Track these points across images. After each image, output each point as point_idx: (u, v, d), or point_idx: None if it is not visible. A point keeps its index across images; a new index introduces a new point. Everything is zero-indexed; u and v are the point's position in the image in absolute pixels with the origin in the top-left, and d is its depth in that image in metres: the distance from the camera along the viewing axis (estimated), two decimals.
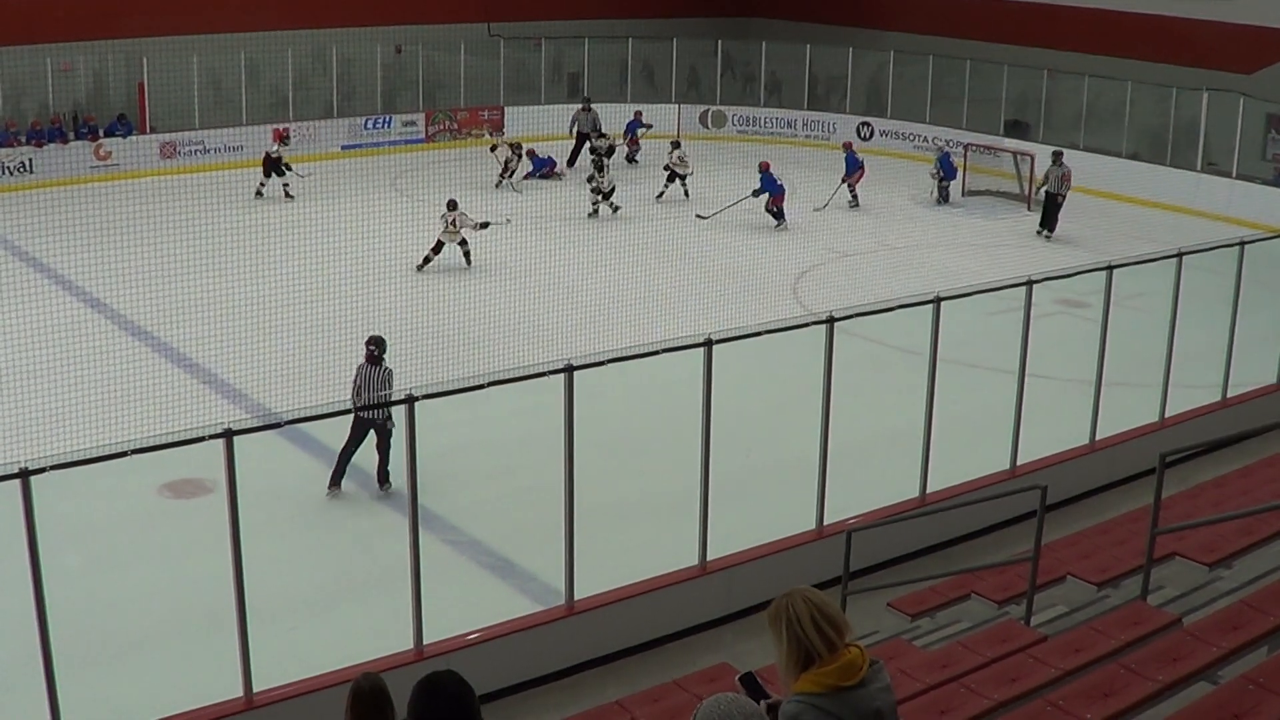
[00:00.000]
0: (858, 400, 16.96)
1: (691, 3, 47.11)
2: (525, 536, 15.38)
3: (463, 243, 27.48)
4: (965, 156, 36.76)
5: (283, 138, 34.50)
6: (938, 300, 14.85)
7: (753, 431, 17.95)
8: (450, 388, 12.06)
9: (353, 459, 16.67)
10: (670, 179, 34.84)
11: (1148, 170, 35.53)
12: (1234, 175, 34.60)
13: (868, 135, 42.05)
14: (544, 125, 40.00)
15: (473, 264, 27.35)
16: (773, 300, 24.75)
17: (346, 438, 16.51)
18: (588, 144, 37.50)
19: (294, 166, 33.67)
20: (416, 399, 11.40)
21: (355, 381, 16.86)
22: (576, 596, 12.83)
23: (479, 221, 27.76)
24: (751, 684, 5.51)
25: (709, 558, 13.55)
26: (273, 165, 33.46)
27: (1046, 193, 32.31)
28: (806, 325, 14.21)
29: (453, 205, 27.77)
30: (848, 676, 5.36)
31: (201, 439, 10.66)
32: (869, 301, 16.39)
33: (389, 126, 40.23)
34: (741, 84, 46.12)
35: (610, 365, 12.70)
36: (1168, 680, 8.04)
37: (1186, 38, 37.98)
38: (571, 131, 39.50)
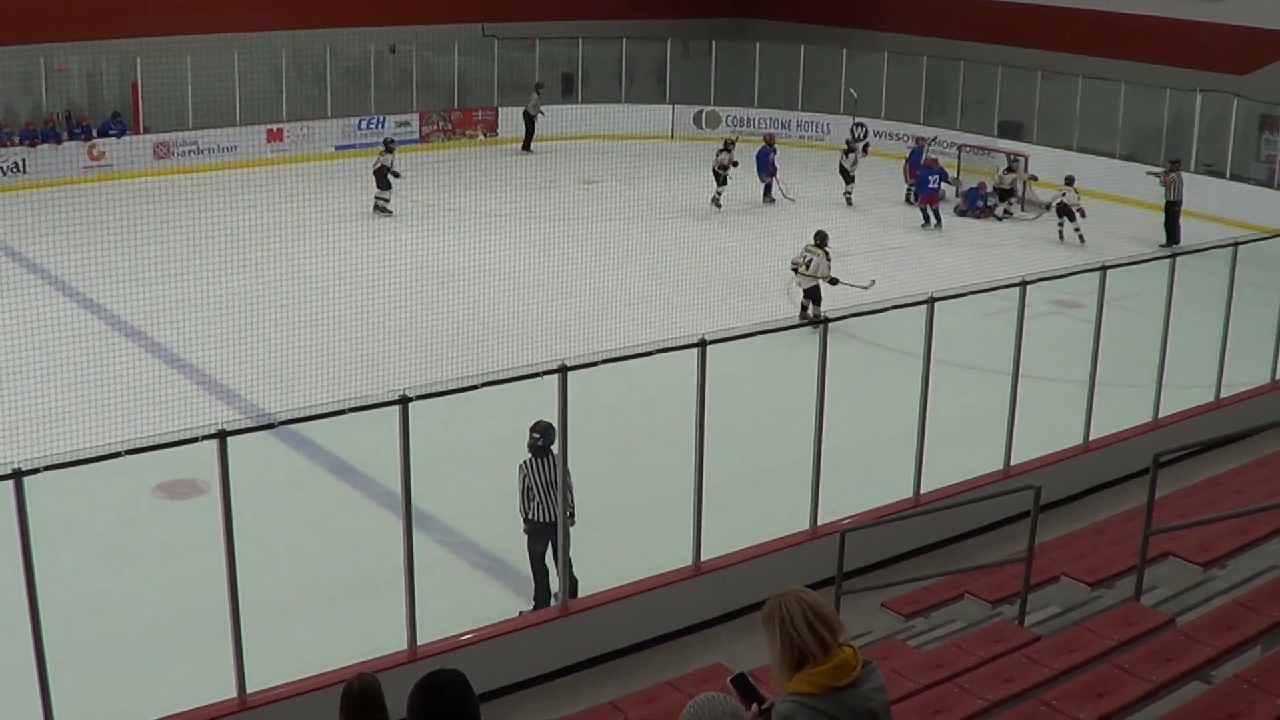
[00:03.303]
0: (852, 401, 16.94)
1: (686, 3, 47.12)
2: (519, 537, 15.37)
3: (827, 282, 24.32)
4: (959, 157, 36.77)
5: (389, 145, 33.40)
6: (931, 301, 14.85)
7: (747, 432, 17.96)
8: (444, 388, 12.04)
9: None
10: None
11: (1141, 171, 35.49)
12: (1228, 176, 34.61)
13: (861, 135, 42.08)
14: (539, 126, 40.14)
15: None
16: (767, 301, 24.76)
17: (528, 549, 14.10)
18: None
19: (400, 174, 32.58)
20: (410, 399, 11.39)
21: (523, 482, 13.90)
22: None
23: (832, 275, 24.40)
24: (745, 685, 5.51)
25: (703, 558, 13.54)
26: (384, 177, 32.40)
27: (1170, 201, 31.91)
28: (799, 326, 14.20)
29: (822, 240, 25.01)
30: (841, 676, 5.39)
31: (195, 440, 10.64)
32: (863, 302, 16.39)
33: (383, 127, 40.22)
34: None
35: (604, 365, 12.68)
36: (1161, 680, 8.04)
37: (1180, 39, 38.06)
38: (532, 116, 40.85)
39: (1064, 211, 31.96)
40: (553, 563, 13.76)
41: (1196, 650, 8.29)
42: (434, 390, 11.80)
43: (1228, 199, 32.52)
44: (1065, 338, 20.45)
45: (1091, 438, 16.82)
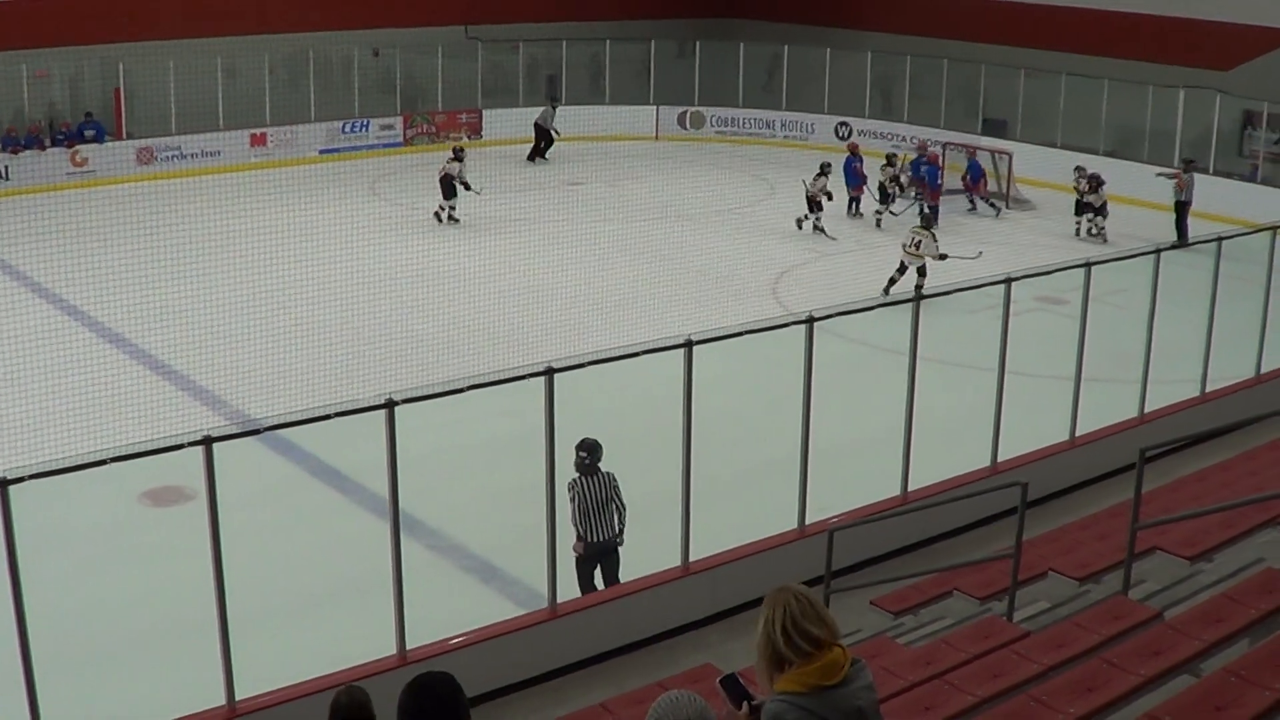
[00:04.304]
0: (838, 400, 16.96)
1: (670, 4, 47.14)
2: (507, 540, 15.37)
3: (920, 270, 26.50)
4: (944, 155, 36.80)
5: (459, 154, 32.60)
6: (917, 299, 14.86)
7: (734, 432, 17.96)
8: (430, 391, 12.02)
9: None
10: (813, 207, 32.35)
11: (1126, 168, 35.52)
12: (1211, 172, 34.66)
13: (845, 135, 42.14)
14: (523, 128, 40.13)
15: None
16: (753, 301, 24.79)
17: (577, 570, 13.80)
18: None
19: (471, 186, 32.00)
20: (396, 403, 11.37)
21: (573, 503, 13.59)
22: (560, 599, 12.82)
23: (940, 252, 26.47)
24: (734, 685, 5.51)
25: (692, 558, 13.53)
26: (450, 185, 31.80)
27: (1180, 202, 31.96)
28: (787, 325, 14.19)
29: (928, 221, 27.69)
30: (830, 675, 5.40)
31: (181, 446, 10.60)
32: (849, 301, 16.39)
33: (367, 130, 40.24)
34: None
35: (591, 367, 12.67)
36: (1150, 674, 8.06)
37: (1163, 35, 38.19)
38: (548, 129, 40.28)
39: (1085, 209, 32.21)
40: (601, 585, 13.79)
41: (1184, 644, 8.31)
42: (420, 394, 11.78)
43: (1212, 195, 32.52)
44: (1051, 334, 20.46)
45: (1078, 433, 16.82)
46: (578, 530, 13.70)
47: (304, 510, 16.88)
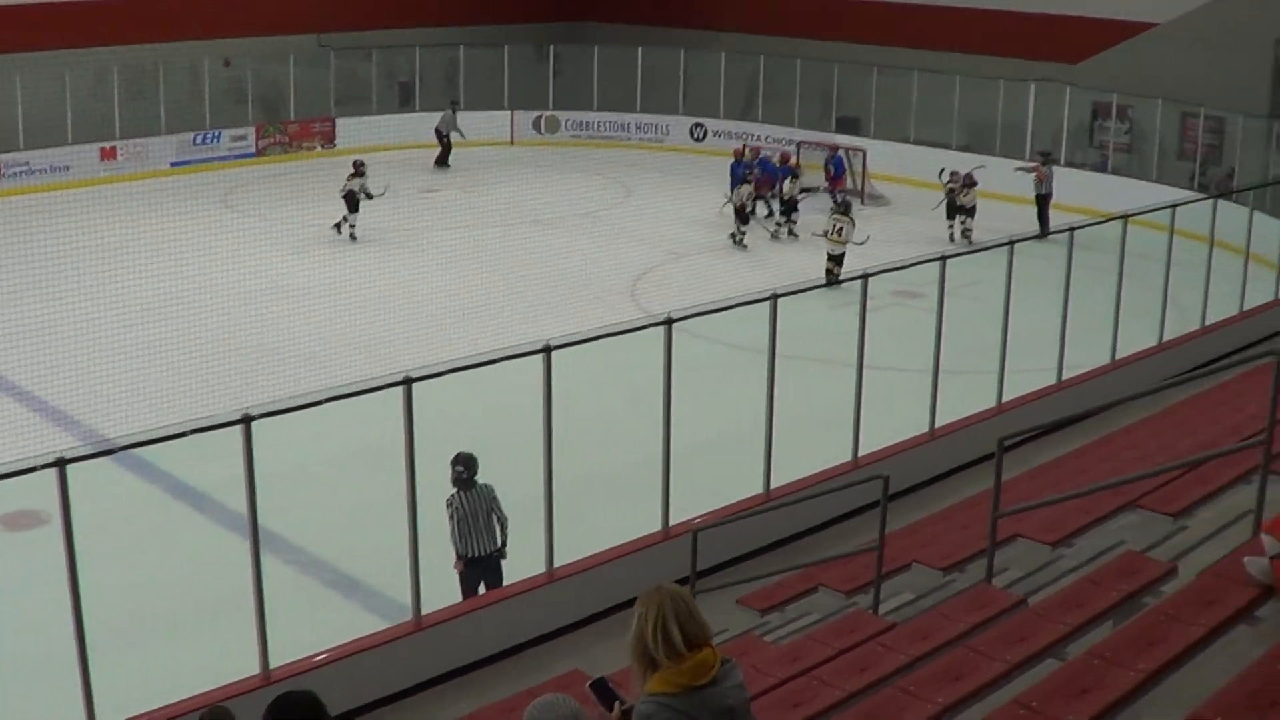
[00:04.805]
0: (700, 400, 16.98)
1: (522, 8, 47.04)
2: (370, 553, 15.20)
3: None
4: (798, 153, 37.06)
5: (359, 168, 31.74)
6: (774, 297, 14.88)
7: (597, 436, 17.93)
8: (288, 405, 11.87)
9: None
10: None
11: (982, 161, 35.86)
12: (1064, 163, 35.19)
13: (700, 136, 42.28)
14: (377, 136, 39.81)
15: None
16: (612, 303, 24.77)
17: (461, 585, 13.74)
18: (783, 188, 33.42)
19: (372, 193, 31.40)
20: (253, 418, 11.19)
21: (452, 520, 13.59)
22: (424, 611, 12.68)
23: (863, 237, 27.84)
24: (603, 689, 5.51)
25: (556, 564, 13.47)
26: (353, 200, 31.24)
27: (1040, 195, 32.38)
28: (645, 327, 14.18)
29: (847, 208, 28.56)
30: (699, 676, 5.43)
31: (33, 469, 10.34)
32: (707, 301, 16.40)
33: (218, 142, 39.74)
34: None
35: (449, 375, 12.57)
36: (1015, 660, 8.11)
37: (1012, 30, 38.77)
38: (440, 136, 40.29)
39: (957, 211, 32.09)
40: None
41: (1048, 628, 8.38)
42: (276, 408, 11.61)
43: (1065, 186, 33.02)
44: (909, 328, 20.62)
45: (937, 425, 16.98)
46: (457, 549, 13.62)
47: (162, 530, 16.59)
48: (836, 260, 27.31)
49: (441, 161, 40.40)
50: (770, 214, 33.40)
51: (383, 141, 39.82)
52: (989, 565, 10.59)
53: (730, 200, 32.03)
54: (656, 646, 5.42)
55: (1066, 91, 36.44)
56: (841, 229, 27.66)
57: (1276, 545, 7.54)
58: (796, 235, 31.87)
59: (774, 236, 32.27)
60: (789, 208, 32.50)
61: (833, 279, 26.05)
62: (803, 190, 32.81)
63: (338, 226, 31.31)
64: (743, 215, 31.25)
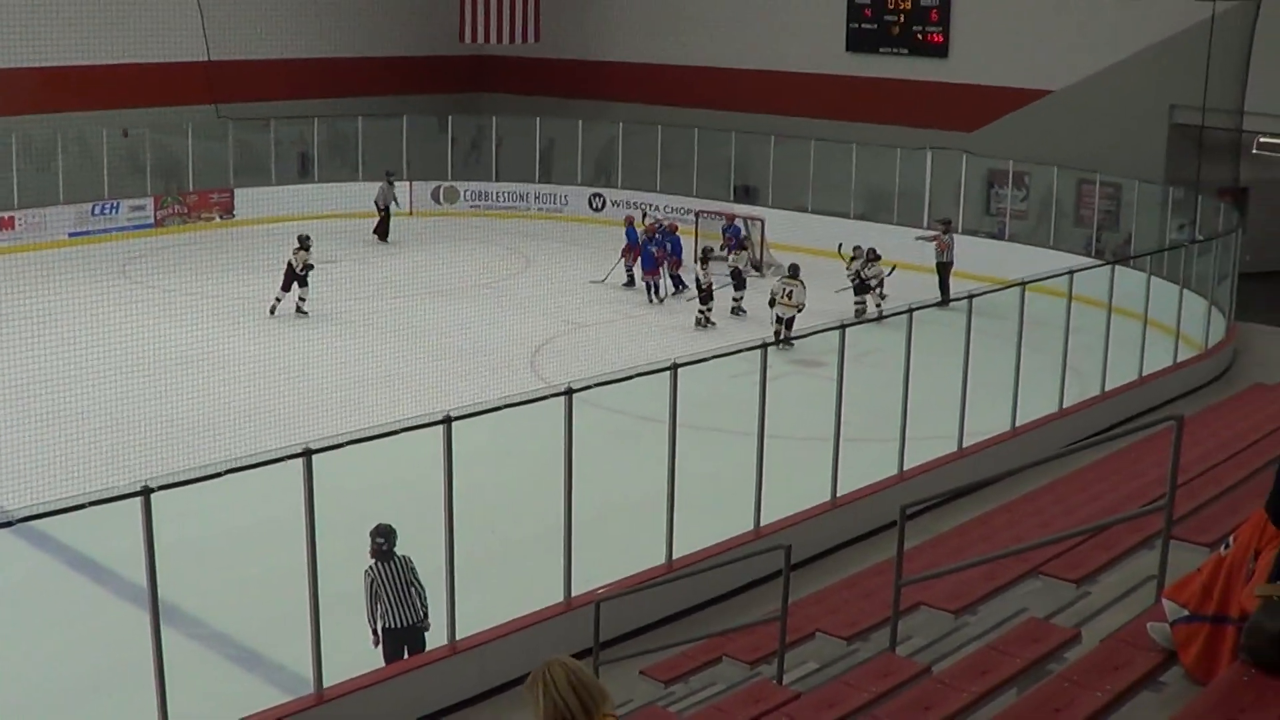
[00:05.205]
0: (601, 470, 16.93)
1: (420, 79, 47.01)
2: (271, 626, 14.98)
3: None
4: (696, 223, 37.20)
5: (304, 243, 31.01)
6: (674, 367, 14.89)
7: (497, 507, 17.80)
8: (187, 477, 11.70)
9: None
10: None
11: (876, 230, 36.09)
12: (961, 230, 35.45)
13: (599, 206, 42.38)
14: (276, 206, 39.52)
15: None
16: (511, 374, 24.67)
17: (384, 657, 13.61)
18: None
19: (315, 266, 30.81)
20: (152, 490, 11.02)
21: (370, 588, 13.52)
22: (325, 684, 12.51)
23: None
24: None
25: (458, 637, 13.35)
26: (294, 276, 30.71)
27: (941, 263, 32.55)
28: (545, 398, 14.14)
29: (796, 271, 28.82)
30: None
31: None
32: (607, 371, 16.38)
33: (117, 212, 39.31)
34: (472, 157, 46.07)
35: (350, 447, 12.45)
36: None
37: (909, 99, 39.17)
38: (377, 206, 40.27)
39: (865, 289, 31.36)
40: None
41: (953, 696, 8.34)
42: (177, 480, 11.46)
43: (962, 253, 33.23)
44: (810, 397, 20.69)
45: (840, 493, 17.02)
46: (372, 624, 13.50)
47: (60, 603, 16.26)
48: (786, 324, 27.77)
49: (380, 233, 40.15)
50: (678, 291, 33.17)
51: (283, 212, 39.54)
52: (893, 634, 10.56)
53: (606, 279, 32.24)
54: (570, 703, 5.43)
55: (963, 159, 36.86)
56: (791, 292, 28.09)
57: (1179, 610, 7.53)
58: (745, 310, 31.08)
59: (734, 313, 31.28)
60: (739, 282, 31.69)
61: (781, 340, 25.95)
62: (750, 263, 33.00)
63: (272, 310, 30.65)
64: (708, 293, 30.34)
